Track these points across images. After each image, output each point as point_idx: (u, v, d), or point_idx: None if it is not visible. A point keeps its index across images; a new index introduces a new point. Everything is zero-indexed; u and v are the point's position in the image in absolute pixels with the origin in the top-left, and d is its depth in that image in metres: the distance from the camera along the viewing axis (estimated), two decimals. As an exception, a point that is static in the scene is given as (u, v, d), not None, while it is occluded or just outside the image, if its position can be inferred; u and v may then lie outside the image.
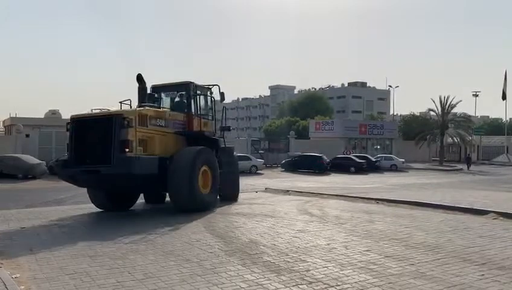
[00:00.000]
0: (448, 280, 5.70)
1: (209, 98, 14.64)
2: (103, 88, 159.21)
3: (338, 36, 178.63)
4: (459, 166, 44.61)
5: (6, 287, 5.30)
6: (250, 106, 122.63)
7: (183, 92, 13.59)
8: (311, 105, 72.81)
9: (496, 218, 10.84)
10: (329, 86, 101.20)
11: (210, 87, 14.47)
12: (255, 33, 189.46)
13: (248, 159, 33.64)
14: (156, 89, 13.96)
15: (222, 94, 14.06)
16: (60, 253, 7.18)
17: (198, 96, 13.71)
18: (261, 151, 41.00)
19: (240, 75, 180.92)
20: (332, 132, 51.27)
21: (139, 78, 12.88)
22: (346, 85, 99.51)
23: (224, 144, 14.84)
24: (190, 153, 11.95)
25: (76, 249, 7.47)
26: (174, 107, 13.45)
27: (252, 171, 33.10)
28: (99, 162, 10.87)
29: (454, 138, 50.19)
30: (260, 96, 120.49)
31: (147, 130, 11.42)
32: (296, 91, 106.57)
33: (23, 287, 5.42)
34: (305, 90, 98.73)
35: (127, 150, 10.67)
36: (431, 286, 5.49)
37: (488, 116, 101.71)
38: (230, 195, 14.63)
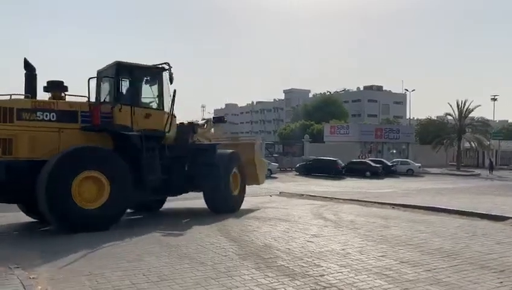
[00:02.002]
0: (465, 287, 5.61)
1: (154, 82, 11.54)
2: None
3: (353, 38, 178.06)
4: (477, 171, 43.94)
5: (24, 287, 5.38)
6: (264, 110, 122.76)
7: (110, 76, 10.90)
8: (326, 109, 72.53)
9: (514, 224, 10.64)
10: (345, 89, 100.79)
11: (157, 67, 11.31)
12: (270, 36, 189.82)
13: (262, 162, 33.56)
14: (98, 74, 11.40)
15: (171, 76, 11.13)
16: (75, 254, 7.26)
17: (127, 81, 10.97)
18: (276, 155, 40.98)
19: (254, 79, 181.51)
20: (347, 136, 50.97)
21: (26, 64, 10.31)
22: (361, 89, 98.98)
23: (181, 141, 12.18)
24: (61, 155, 9.29)
25: (92, 251, 7.54)
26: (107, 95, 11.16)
27: (267, 175, 33.01)
28: None
29: (472, 143, 49.48)
30: (275, 99, 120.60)
31: (11, 126, 9.27)
32: (310, 95, 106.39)
33: (40, 287, 5.49)
34: (320, 93, 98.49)
35: None
36: (447, 292, 5.42)
37: (507, 121, 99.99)
38: (218, 207, 12.22)
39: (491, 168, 43.45)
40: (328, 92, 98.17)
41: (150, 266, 6.52)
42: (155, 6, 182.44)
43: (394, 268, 6.47)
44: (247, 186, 14.68)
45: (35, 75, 10.46)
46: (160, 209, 13.59)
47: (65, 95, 10.66)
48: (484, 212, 12.06)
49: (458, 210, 12.62)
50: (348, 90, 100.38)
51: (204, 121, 15.50)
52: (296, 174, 36.45)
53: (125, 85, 10.97)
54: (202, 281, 5.76)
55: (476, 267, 6.57)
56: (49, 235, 9.40)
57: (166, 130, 11.23)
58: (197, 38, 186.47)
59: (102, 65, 11.32)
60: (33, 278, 5.85)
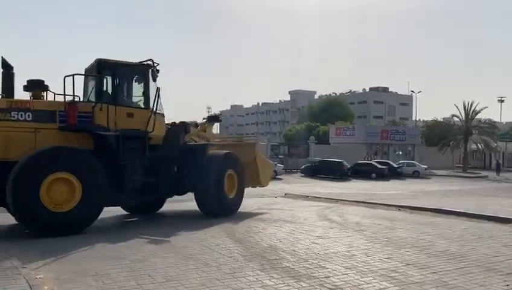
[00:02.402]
0: (471, 290, 5.58)
1: (138, 80, 11.21)
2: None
3: (358, 39, 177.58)
4: (484, 173, 43.72)
5: (30, 287, 5.42)
6: (270, 111, 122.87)
7: (92, 74, 10.72)
8: (332, 110, 72.42)
9: (522, 227, 10.57)
10: (350, 91, 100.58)
11: (141, 64, 10.94)
12: (274, 36, 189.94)
13: (268, 164, 33.52)
14: (85, 72, 11.20)
15: (153, 72, 10.78)
16: (82, 255, 7.31)
17: (109, 79, 10.52)
18: (281, 156, 40.96)
19: (259, 80, 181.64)
20: (353, 138, 50.87)
21: (4, 63, 10.01)
22: (367, 90, 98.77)
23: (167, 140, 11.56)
24: (29, 156, 8.94)
25: (98, 252, 7.59)
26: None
27: (272, 176, 32.97)
28: None
29: (479, 145, 49.27)
30: (280, 101, 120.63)
31: None
32: (316, 96, 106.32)
33: (46, 287, 5.52)
34: (326, 95, 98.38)
35: None
36: (454, 295, 5.39)
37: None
38: (210, 210, 11.75)
39: (498, 169, 43.26)
40: (333, 93, 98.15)
41: (155, 266, 6.54)
42: (155, 7, 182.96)
43: (400, 270, 6.45)
44: (252, 188, 14.49)
45: (13, 74, 10.19)
46: (162, 211, 13.53)
47: (54, 94, 10.37)
48: (491, 215, 11.99)
49: (465, 212, 12.55)
50: (354, 91, 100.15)
51: (205, 120, 15.05)
52: (301, 176, 36.40)
53: (107, 83, 10.57)
54: (207, 282, 5.76)
55: (483, 270, 6.53)
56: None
57: (150, 129, 10.72)
58: (199, 39, 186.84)
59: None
60: (39, 278, 5.89)
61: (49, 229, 8.81)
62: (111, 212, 12.29)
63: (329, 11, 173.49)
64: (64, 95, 9.92)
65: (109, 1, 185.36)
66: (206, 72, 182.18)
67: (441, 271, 6.43)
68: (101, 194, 9.53)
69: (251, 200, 16.02)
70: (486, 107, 50.86)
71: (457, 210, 12.93)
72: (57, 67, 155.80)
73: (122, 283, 5.70)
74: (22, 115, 9.42)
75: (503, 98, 66.33)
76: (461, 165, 49.08)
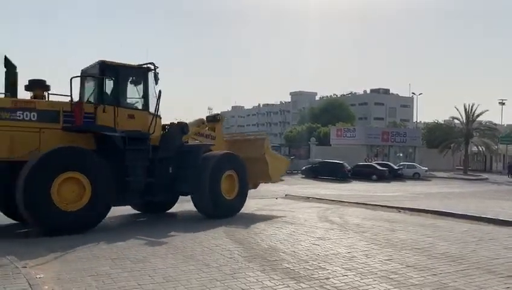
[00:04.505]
0: (471, 292, 5.58)
1: (139, 82, 11.38)
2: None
3: (359, 39, 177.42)
4: (485, 175, 43.75)
5: (30, 287, 5.42)
6: (271, 112, 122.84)
7: (94, 76, 10.81)
8: (333, 112, 72.41)
9: (522, 229, 10.56)
10: (351, 92, 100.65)
11: (142, 67, 11.17)
12: (274, 37, 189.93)
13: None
14: (82, 73, 11.33)
15: (156, 75, 11.01)
16: (82, 255, 7.31)
17: (111, 80, 10.70)
18: (282, 158, 40.92)
19: (260, 81, 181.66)
20: (354, 139, 50.90)
21: (7, 62, 10.09)
22: (368, 92, 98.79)
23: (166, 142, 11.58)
24: (40, 157, 9.02)
25: (98, 251, 7.59)
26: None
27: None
28: None
29: (479, 147, 49.28)
30: (281, 102, 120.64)
31: None
32: (317, 97, 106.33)
33: (46, 287, 5.53)
34: (327, 96, 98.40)
35: None
36: (454, 297, 5.39)
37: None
38: (207, 211, 11.76)
39: (510, 172, 43.55)
40: (334, 94, 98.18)
41: (155, 267, 6.55)
42: (155, 7, 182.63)
43: (400, 272, 6.45)
44: (264, 183, 14.65)
45: (16, 73, 10.27)
46: (165, 212, 13.54)
47: (49, 94, 10.50)
48: (491, 217, 12.00)
49: (465, 215, 12.55)
50: (355, 93, 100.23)
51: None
52: (302, 177, 36.41)
53: (109, 85, 10.75)
54: (207, 283, 5.77)
55: (483, 272, 6.53)
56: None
57: (151, 131, 10.91)
58: (199, 39, 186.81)
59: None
60: (39, 277, 5.90)
61: (61, 228, 8.86)
62: (116, 212, 12.29)
63: (330, 12, 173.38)
64: (71, 96, 10.07)
65: (109, 1, 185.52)
66: (206, 72, 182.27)
67: (441, 273, 6.43)
68: (109, 194, 9.73)
69: (251, 201, 16.01)
70: (487, 110, 51.15)
71: (458, 212, 12.93)
72: (57, 67, 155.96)
73: (122, 283, 5.71)
74: (27, 114, 9.48)
75: (504, 101, 66.47)
76: (462, 168, 49.10)
